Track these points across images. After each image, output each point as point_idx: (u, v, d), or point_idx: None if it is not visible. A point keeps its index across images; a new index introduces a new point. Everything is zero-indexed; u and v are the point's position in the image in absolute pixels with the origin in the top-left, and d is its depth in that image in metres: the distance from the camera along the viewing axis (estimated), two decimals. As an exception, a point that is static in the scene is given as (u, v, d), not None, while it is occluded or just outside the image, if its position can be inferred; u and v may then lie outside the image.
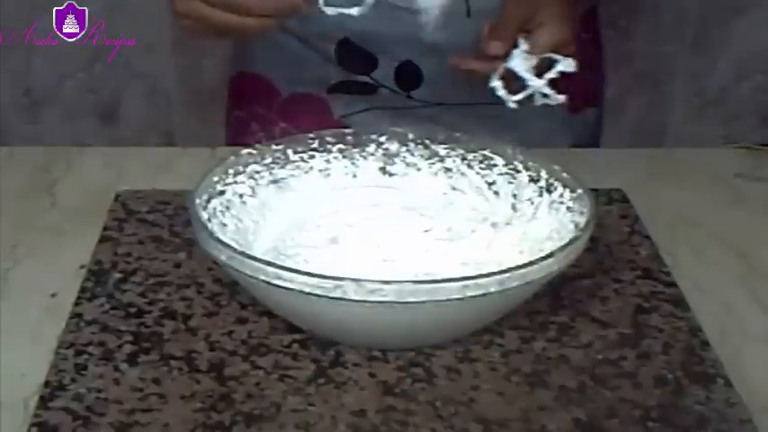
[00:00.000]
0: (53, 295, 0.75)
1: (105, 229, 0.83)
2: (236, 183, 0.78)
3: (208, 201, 0.74)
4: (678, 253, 0.82)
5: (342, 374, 0.67)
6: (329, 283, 0.62)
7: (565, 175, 0.77)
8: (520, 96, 0.80)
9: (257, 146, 0.81)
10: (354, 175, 0.83)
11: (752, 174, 0.96)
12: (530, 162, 0.80)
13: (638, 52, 1.73)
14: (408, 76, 0.97)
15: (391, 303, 0.62)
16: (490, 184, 0.81)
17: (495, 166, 0.81)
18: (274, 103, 1.02)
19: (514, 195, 0.80)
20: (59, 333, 0.70)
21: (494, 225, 0.79)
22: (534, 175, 0.79)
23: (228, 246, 0.67)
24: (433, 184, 0.83)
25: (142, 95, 1.74)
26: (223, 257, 0.67)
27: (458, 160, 0.83)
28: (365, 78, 0.98)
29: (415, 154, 0.84)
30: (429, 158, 0.83)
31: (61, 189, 0.91)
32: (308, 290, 0.63)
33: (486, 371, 0.67)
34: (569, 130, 1.05)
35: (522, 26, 0.81)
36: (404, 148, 0.84)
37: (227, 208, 0.76)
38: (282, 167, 0.81)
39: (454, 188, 0.83)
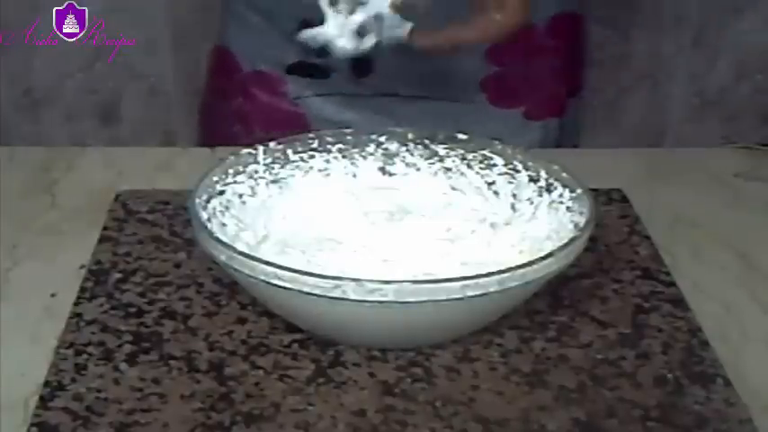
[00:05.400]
0: (53, 295, 0.75)
1: (105, 229, 0.83)
2: (235, 183, 0.78)
3: (208, 201, 0.74)
4: (678, 253, 0.82)
5: (341, 374, 0.67)
6: (329, 283, 0.63)
7: (564, 174, 0.77)
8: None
9: (257, 146, 0.81)
10: (354, 175, 0.83)
11: (752, 174, 0.96)
12: (529, 162, 0.80)
13: (638, 52, 1.73)
14: (363, 63, 0.96)
15: (391, 303, 0.62)
16: (490, 184, 0.81)
17: (494, 166, 0.81)
18: (235, 77, 1.02)
19: (514, 195, 0.80)
20: (59, 333, 0.70)
21: (493, 225, 0.79)
22: (534, 175, 0.79)
23: (228, 246, 0.67)
24: (433, 184, 0.83)
25: (142, 95, 1.74)
26: (223, 257, 0.67)
27: (457, 160, 0.83)
28: (321, 61, 0.97)
29: (415, 154, 0.84)
30: (429, 158, 0.83)
31: (61, 189, 0.91)
32: (307, 290, 0.63)
33: (485, 371, 0.67)
34: (527, 134, 1.03)
35: None
36: (404, 148, 0.84)
37: (227, 208, 0.76)
38: (282, 167, 0.81)
39: (454, 188, 0.83)
